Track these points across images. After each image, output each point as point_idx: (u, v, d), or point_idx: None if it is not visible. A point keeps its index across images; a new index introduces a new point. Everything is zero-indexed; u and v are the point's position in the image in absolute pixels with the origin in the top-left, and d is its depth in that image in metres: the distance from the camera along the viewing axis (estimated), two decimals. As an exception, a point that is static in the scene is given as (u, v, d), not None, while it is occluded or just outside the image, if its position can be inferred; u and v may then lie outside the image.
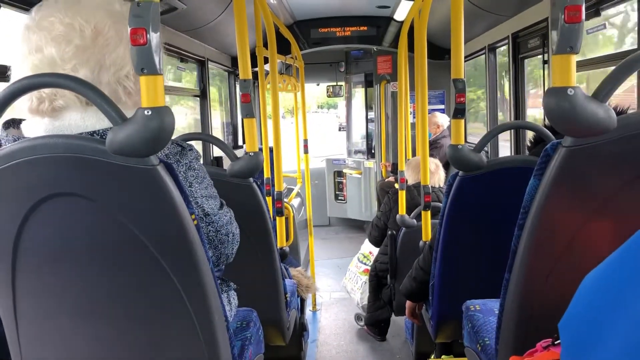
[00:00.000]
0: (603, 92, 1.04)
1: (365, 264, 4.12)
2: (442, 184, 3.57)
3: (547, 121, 2.04)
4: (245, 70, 2.22)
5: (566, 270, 1.18)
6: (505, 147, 4.28)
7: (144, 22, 0.94)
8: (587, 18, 2.56)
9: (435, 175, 3.52)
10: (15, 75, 1.14)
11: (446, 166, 4.83)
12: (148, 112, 0.97)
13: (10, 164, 1.03)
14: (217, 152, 4.65)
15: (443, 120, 5.35)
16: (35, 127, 1.14)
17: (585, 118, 1.03)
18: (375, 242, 3.87)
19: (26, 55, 1.12)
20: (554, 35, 1.03)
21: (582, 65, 2.80)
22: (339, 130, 8.77)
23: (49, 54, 1.10)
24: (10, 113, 1.15)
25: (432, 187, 3.26)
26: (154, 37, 0.95)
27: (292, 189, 5.14)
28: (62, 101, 1.11)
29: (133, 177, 1.02)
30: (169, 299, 1.13)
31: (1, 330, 1.23)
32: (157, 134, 0.98)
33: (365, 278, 4.06)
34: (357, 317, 4.33)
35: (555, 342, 0.96)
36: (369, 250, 4.14)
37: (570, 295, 0.75)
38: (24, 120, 1.19)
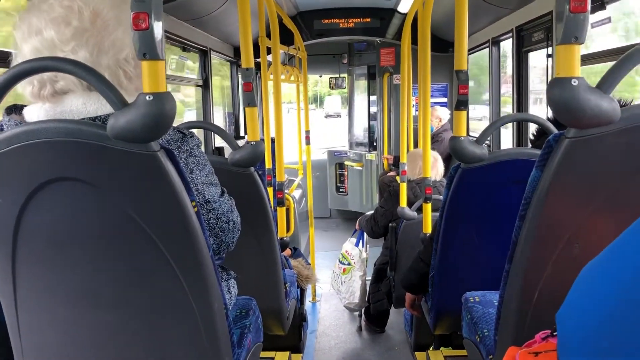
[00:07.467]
0: (607, 83, 1.03)
1: (344, 263, 4.16)
2: (439, 178, 3.56)
3: (550, 114, 2.03)
4: (247, 58, 2.21)
5: (567, 261, 1.18)
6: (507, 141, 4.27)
7: (146, 7, 0.93)
8: (593, 11, 2.54)
9: (434, 168, 3.49)
10: (17, 59, 1.14)
11: (448, 160, 4.82)
12: (149, 97, 0.96)
13: (11, 148, 1.02)
14: (218, 142, 4.64)
15: (443, 113, 5.33)
16: (37, 113, 1.14)
17: (589, 109, 1.02)
18: (376, 236, 3.88)
19: (26, 37, 1.12)
20: (559, 26, 1.02)
21: (584, 60, 2.79)
22: (325, 117, 8.69)
23: (48, 36, 1.10)
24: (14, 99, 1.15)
25: (433, 180, 3.25)
26: (156, 22, 0.95)
27: (294, 181, 5.14)
28: (64, 83, 1.11)
29: (134, 162, 1.02)
30: (169, 286, 1.13)
31: (1, 317, 1.23)
32: (159, 120, 0.97)
33: (344, 277, 4.12)
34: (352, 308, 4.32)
35: (554, 333, 0.96)
36: (346, 250, 4.19)
37: (569, 286, 0.75)
38: (26, 106, 1.18)
